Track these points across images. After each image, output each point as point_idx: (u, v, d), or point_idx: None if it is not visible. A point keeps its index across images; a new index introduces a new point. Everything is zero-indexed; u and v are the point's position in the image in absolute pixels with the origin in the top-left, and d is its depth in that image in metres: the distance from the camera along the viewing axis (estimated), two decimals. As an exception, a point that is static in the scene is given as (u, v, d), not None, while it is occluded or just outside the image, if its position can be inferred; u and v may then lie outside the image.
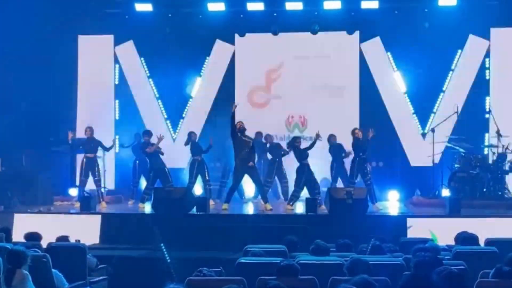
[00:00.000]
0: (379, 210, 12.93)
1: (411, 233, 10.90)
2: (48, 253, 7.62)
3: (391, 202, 14.33)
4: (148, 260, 10.13)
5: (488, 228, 10.56)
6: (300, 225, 11.14)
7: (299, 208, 13.05)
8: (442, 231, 10.74)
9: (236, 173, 12.85)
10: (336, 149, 14.04)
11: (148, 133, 13.92)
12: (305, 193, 13.14)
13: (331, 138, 14.06)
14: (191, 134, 14.30)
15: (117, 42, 16.26)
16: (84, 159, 13.85)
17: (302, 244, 8.43)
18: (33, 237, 8.72)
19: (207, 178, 14.03)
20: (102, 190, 14.02)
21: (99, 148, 13.97)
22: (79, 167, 14.09)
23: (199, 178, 14.08)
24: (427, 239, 9.08)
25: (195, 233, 11.24)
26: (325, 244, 7.59)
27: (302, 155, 13.03)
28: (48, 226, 11.08)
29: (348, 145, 13.90)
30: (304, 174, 12.91)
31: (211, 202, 13.38)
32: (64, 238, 9.00)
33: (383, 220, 11.88)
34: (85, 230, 11.35)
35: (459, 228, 9.06)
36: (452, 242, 8.63)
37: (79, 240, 9.21)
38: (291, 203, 12.95)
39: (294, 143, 13.20)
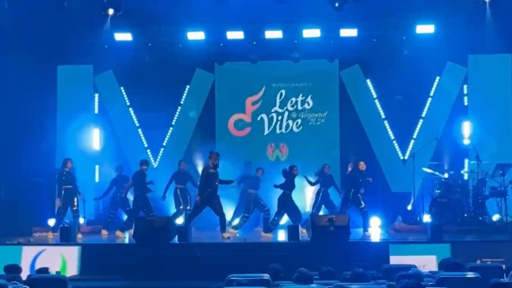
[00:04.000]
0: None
1: (394, 260, 10.83)
2: (28, 285, 7.49)
3: (373, 229, 14.32)
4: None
5: (470, 254, 10.58)
6: (283, 253, 11.07)
7: (281, 236, 13.02)
8: (424, 257, 10.73)
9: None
10: (328, 179, 14.19)
11: (145, 162, 14.02)
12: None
13: (324, 169, 14.20)
14: (180, 163, 14.53)
15: (96, 72, 16.22)
16: (63, 191, 13.68)
17: (285, 272, 8.36)
18: (12, 269, 8.59)
19: (188, 207, 14.11)
20: (82, 221, 14.04)
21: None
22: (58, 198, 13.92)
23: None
24: (410, 265, 9.06)
25: (177, 262, 11.14)
26: (308, 272, 7.52)
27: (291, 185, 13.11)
28: (28, 257, 10.93)
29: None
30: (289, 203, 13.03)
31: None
32: (44, 270, 8.87)
33: (365, 246, 11.86)
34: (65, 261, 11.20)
35: (441, 254, 9.05)
36: (434, 268, 8.61)
37: (59, 272, 9.10)
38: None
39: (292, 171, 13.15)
